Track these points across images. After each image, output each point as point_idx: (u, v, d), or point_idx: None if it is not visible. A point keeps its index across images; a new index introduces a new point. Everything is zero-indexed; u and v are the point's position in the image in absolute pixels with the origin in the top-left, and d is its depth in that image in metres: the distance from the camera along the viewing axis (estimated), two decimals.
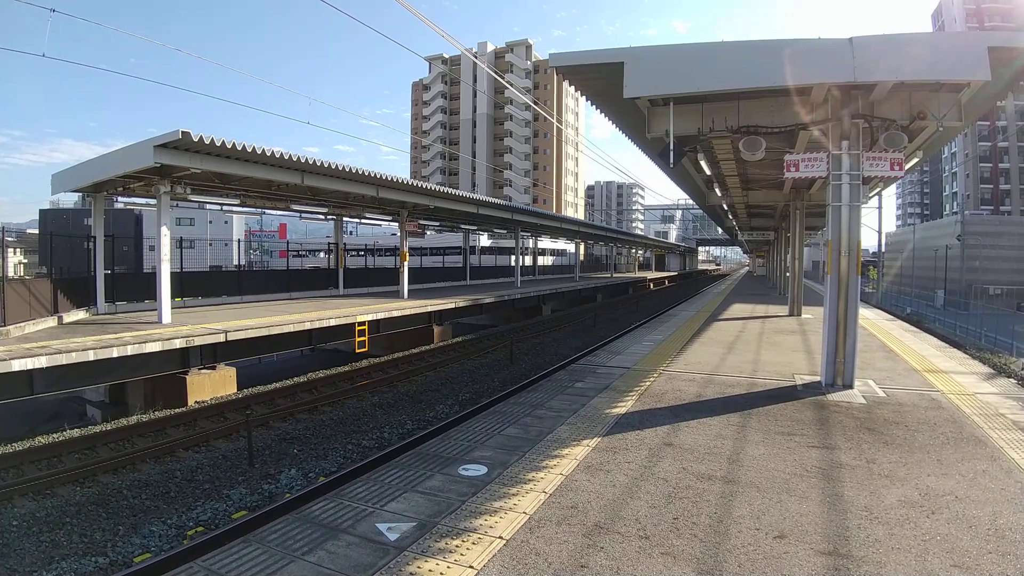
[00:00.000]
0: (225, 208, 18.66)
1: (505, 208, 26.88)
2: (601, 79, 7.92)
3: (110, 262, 15.06)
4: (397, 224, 22.40)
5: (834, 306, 7.54)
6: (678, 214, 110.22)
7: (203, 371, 11.69)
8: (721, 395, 7.23)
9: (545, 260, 52.52)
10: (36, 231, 56.77)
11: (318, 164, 14.18)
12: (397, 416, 10.94)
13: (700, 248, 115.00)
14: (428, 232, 34.53)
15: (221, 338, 11.62)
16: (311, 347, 14.75)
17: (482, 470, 4.71)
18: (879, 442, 5.33)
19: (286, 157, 13.09)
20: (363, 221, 24.28)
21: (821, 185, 13.85)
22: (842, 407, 6.59)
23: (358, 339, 14.92)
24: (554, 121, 40.96)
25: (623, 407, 6.63)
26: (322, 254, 46.82)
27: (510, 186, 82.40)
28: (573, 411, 6.47)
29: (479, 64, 21.84)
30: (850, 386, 7.44)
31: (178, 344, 10.89)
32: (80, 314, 13.73)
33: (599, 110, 9.60)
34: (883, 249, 40.39)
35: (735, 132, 7.82)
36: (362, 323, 15.08)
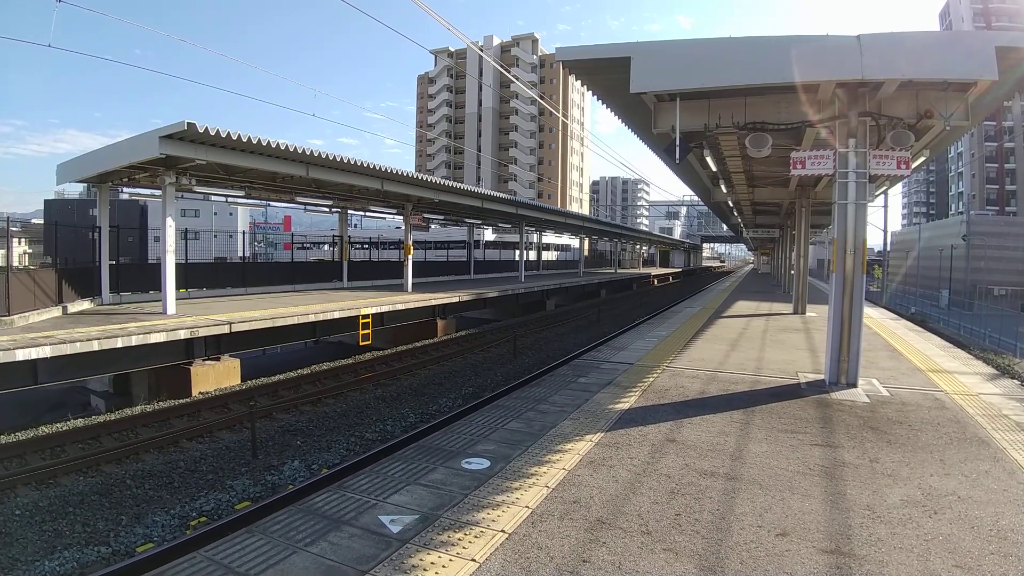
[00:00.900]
0: (230, 200, 18.66)
1: (510, 203, 26.81)
2: (608, 74, 7.88)
3: (115, 253, 15.14)
4: (402, 218, 22.40)
5: (839, 304, 7.52)
6: (683, 210, 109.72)
7: (207, 362, 11.73)
8: (724, 392, 7.22)
9: (549, 255, 52.47)
10: (41, 221, 56.93)
11: (323, 156, 14.17)
12: (400, 409, 10.97)
13: (705, 245, 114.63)
14: (432, 226, 34.53)
15: (225, 329, 11.66)
16: (315, 339, 14.78)
17: (485, 464, 4.72)
18: (882, 441, 5.32)
19: (291, 149, 13.09)
20: (368, 214, 24.26)
21: (827, 183, 13.79)
22: (845, 406, 6.58)
23: (362, 332, 14.94)
24: (560, 116, 40.86)
25: (626, 403, 6.64)
26: (326, 247, 46.94)
27: (515, 180, 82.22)
28: (576, 406, 6.47)
29: (485, 58, 21.72)
30: (854, 385, 7.43)
31: (182, 335, 10.95)
32: (85, 304, 13.79)
33: (605, 105, 9.57)
34: (888, 248, 40.21)
35: (741, 129, 7.77)
36: (366, 316, 15.10)
